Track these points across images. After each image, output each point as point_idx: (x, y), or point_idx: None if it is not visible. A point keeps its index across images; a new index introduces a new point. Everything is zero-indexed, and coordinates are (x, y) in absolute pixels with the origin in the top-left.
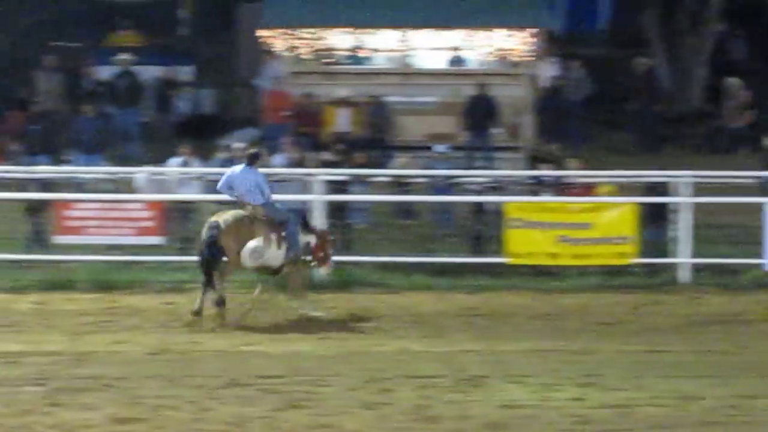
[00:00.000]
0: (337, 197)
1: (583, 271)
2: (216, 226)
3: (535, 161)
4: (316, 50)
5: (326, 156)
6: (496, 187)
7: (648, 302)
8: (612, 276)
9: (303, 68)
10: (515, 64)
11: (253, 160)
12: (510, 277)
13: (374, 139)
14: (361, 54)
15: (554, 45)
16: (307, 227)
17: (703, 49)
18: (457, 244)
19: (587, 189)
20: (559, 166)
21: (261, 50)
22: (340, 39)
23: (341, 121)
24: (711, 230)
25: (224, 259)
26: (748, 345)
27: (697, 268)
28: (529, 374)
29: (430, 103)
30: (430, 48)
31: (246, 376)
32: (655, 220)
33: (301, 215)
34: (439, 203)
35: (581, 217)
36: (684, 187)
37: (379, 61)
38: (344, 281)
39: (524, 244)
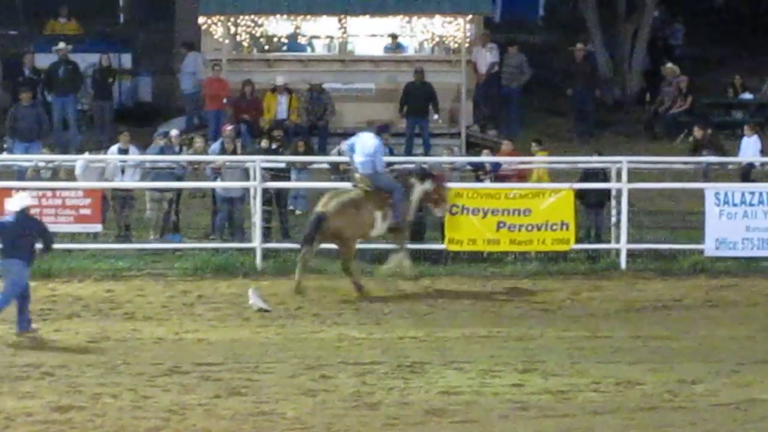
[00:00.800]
0: (276, 184)
1: (522, 257)
2: (322, 217)
3: (473, 147)
4: (255, 37)
5: (265, 143)
6: (433, 174)
7: (587, 288)
8: (551, 262)
9: (242, 55)
10: (453, 51)
11: (381, 131)
12: (449, 264)
13: (313, 126)
14: (299, 41)
15: (492, 31)
16: (424, 177)
17: (641, 35)
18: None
19: (524, 175)
20: (499, 152)
21: (198, 38)
22: (278, 26)
23: (280, 108)
24: (650, 216)
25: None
26: (688, 330)
27: (637, 254)
28: (468, 360)
29: (369, 90)
30: (368, 35)
31: (186, 364)
32: (592, 206)
33: (419, 170)
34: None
35: (520, 204)
36: (621, 172)
37: (318, 48)
38: (283, 268)
39: (464, 231)
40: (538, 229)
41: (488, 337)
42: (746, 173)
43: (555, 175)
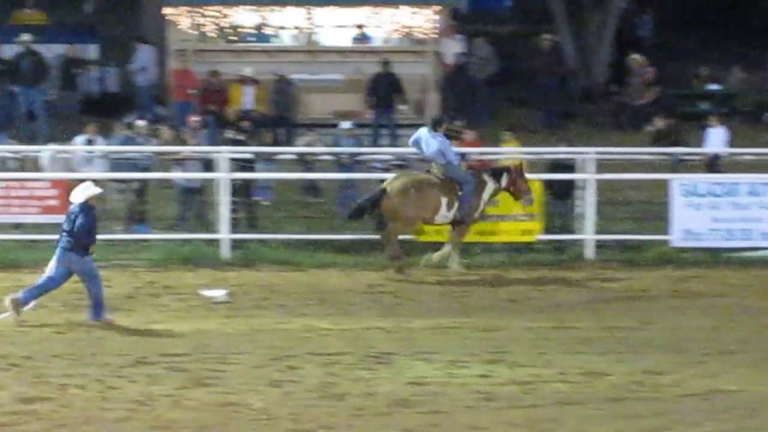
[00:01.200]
0: (243, 175)
1: (489, 248)
2: (382, 191)
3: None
4: (221, 28)
5: (231, 134)
6: (401, 164)
7: (554, 279)
8: (518, 253)
9: (208, 46)
10: (420, 42)
11: (436, 126)
12: (416, 255)
13: (279, 117)
14: (266, 32)
15: (459, 22)
16: (496, 173)
17: (608, 26)
18: (362, 222)
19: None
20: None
21: (165, 28)
22: (245, 16)
23: (246, 99)
24: (616, 207)
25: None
26: (654, 321)
27: (603, 245)
28: (435, 351)
29: (335, 81)
30: (334, 25)
31: (152, 355)
32: (560, 197)
33: (493, 168)
34: (344, 181)
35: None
36: (588, 163)
37: (284, 39)
38: (249, 259)
39: None
40: (505, 220)
41: (455, 328)
42: (712, 164)
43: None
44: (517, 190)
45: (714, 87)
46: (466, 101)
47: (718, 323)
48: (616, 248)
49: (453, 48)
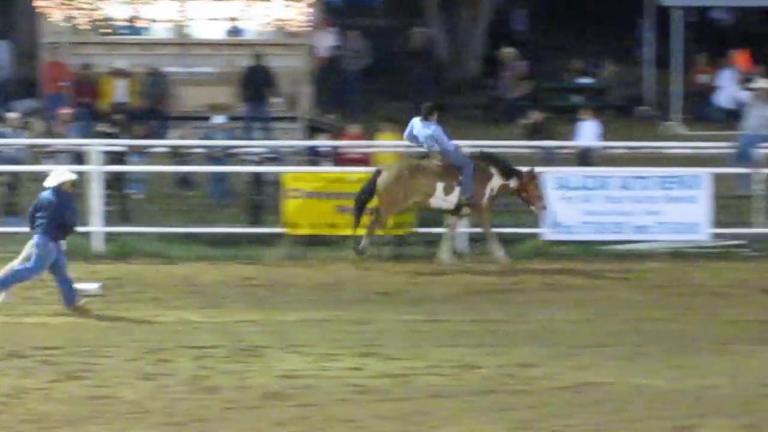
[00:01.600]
0: (115, 168)
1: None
2: (378, 172)
3: (313, 131)
4: (94, 20)
5: (104, 127)
6: (274, 158)
7: (426, 271)
8: (390, 246)
9: (81, 39)
10: (293, 35)
11: (426, 114)
12: (288, 248)
13: (152, 110)
14: (138, 24)
15: (332, 15)
16: (506, 171)
17: (481, 19)
18: (235, 215)
19: (360, 159)
20: (337, 136)
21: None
22: (117, 9)
23: (119, 92)
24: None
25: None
26: (526, 314)
27: (476, 238)
28: (307, 344)
29: (208, 74)
30: (207, 18)
31: (25, 348)
32: None
33: (497, 162)
34: (217, 174)
35: (359, 187)
36: None
37: (157, 32)
38: (122, 252)
39: (302, 215)
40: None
41: (327, 320)
42: (584, 157)
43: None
44: (530, 196)
45: (586, 80)
46: (340, 94)
47: (590, 316)
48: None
49: (326, 41)
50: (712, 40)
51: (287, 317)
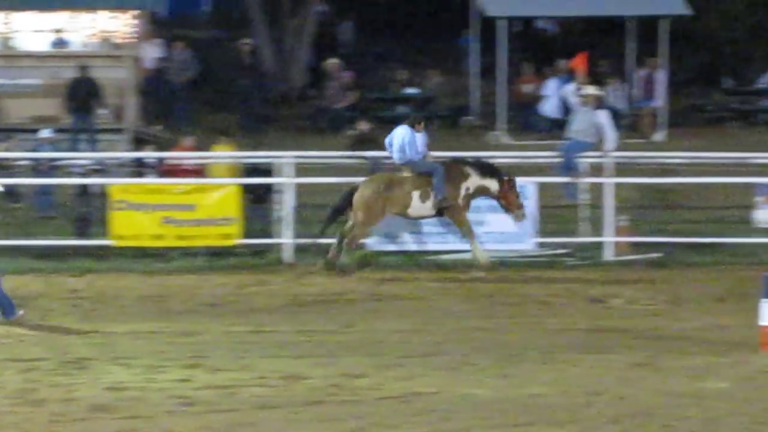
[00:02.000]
0: None
1: (188, 252)
2: (351, 191)
3: (138, 143)
4: None
5: None
6: (100, 169)
7: (253, 283)
8: (217, 257)
9: None
10: (118, 46)
11: (412, 123)
12: (115, 259)
13: None
14: None
15: (158, 27)
16: (485, 172)
17: (306, 31)
18: (61, 227)
19: (194, 170)
20: (163, 147)
21: None
22: None
23: None
24: (316, 210)
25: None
26: (352, 324)
27: (303, 249)
28: (134, 356)
29: (34, 86)
30: (32, 30)
31: None
32: (259, 200)
33: (473, 163)
34: (44, 186)
35: (186, 199)
36: (287, 167)
37: None
38: None
39: (129, 226)
40: (203, 224)
41: (154, 332)
42: None
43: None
44: (509, 203)
45: (412, 91)
46: (166, 106)
47: (416, 326)
48: (315, 252)
49: (152, 52)
50: (538, 50)
51: (114, 329)
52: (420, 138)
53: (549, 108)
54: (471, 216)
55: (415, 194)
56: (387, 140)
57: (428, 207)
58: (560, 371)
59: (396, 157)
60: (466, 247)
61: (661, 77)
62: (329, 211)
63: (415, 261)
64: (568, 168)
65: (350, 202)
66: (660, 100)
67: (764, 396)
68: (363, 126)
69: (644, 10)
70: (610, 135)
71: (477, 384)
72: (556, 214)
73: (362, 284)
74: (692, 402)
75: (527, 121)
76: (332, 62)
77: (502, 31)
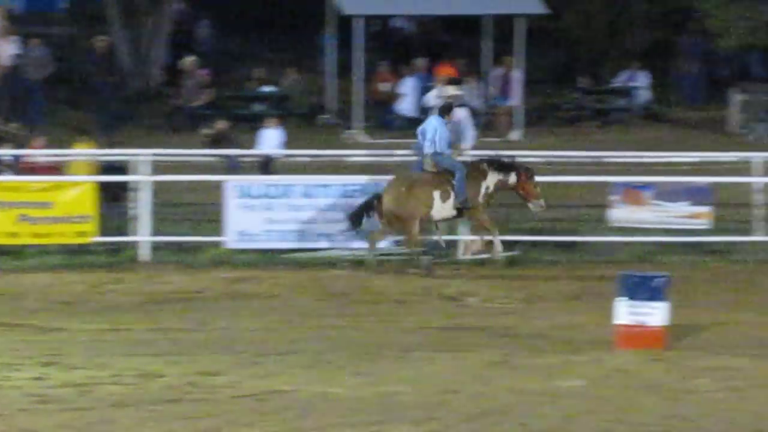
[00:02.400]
0: None
1: (43, 250)
2: (375, 197)
3: None
4: None
5: None
6: None
7: (109, 281)
8: (73, 255)
9: None
10: None
11: (443, 112)
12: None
13: None
14: None
15: (14, 23)
16: (503, 167)
17: (163, 29)
18: None
19: (51, 168)
20: (20, 144)
21: None
22: None
23: None
24: (172, 209)
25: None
26: (208, 322)
27: (158, 247)
28: None
29: None
30: None
31: None
32: (115, 198)
33: (490, 160)
34: None
35: (41, 196)
36: (143, 165)
37: None
38: None
39: None
40: (59, 221)
41: (9, 330)
42: (265, 165)
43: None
44: (527, 193)
45: (269, 89)
46: (22, 103)
47: (272, 324)
48: (172, 250)
49: (8, 49)
50: (395, 48)
51: None
52: (276, 137)
53: (405, 107)
54: (328, 214)
55: (437, 194)
56: (419, 129)
57: (449, 207)
58: (415, 369)
59: (426, 148)
60: (323, 244)
61: (518, 76)
62: (349, 217)
63: (272, 259)
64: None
65: (372, 208)
66: (516, 98)
67: (619, 394)
68: (220, 124)
69: (500, 9)
70: (469, 134)
71: (333, 382)
72: None
73: (219, 282)
74: (547, 400)
75: (384, 119)
76: (189, 60)
77: (358, 30)
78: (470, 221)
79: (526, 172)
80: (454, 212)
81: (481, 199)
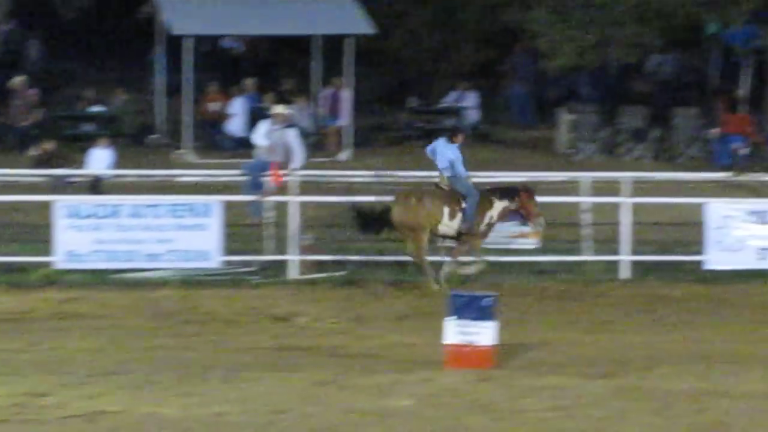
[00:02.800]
0: None
1: None
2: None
3: None
4: None
5: None
6: None
7: None
8: None
9: None
10: None
11: (451, 136)
12: None
13: None
14: None
15: None
16: (508, 192)
17: None
18: None
19: None
20: None
21: None
22: None
23: None
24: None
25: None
26: (37, 343)
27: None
28: None
29: None
30: None
31: None
32: None
33: (496, 189)
34: None
35: None
36: None
37: None
38: None
39: None
40: None
41: None
42: (95, 185)
43: None
44: (528, 212)
45: (98, 109)
46: None
47: (101, 345)
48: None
49: None
50: (224, 68)
51: None
52: (106, 157)
53: (235, 127)
54: (157, 234)
55: (446, 210)
56: (429, 149)
57: (453, 226)
58: (244, 390)
59: (443, 170)
60: (152, 265)
61: (347, 96)
62: (362, 227)
63: (101, 279)
64: (254, 186)
65: (383, 219)
66: (345, 119)
67: (447, 414)
68: (47, 145)
69: (329, 29)
70: (298, 154)
71: (161, 402)
72: (242, 232)
73: (47, 303)
74: (376, 420)
75: (213, 139)
76: (18, 80)
77: (187, 50)
78: (466, 244)
79: (527, 192)
80: (454, 233)
81: (482, 227)
